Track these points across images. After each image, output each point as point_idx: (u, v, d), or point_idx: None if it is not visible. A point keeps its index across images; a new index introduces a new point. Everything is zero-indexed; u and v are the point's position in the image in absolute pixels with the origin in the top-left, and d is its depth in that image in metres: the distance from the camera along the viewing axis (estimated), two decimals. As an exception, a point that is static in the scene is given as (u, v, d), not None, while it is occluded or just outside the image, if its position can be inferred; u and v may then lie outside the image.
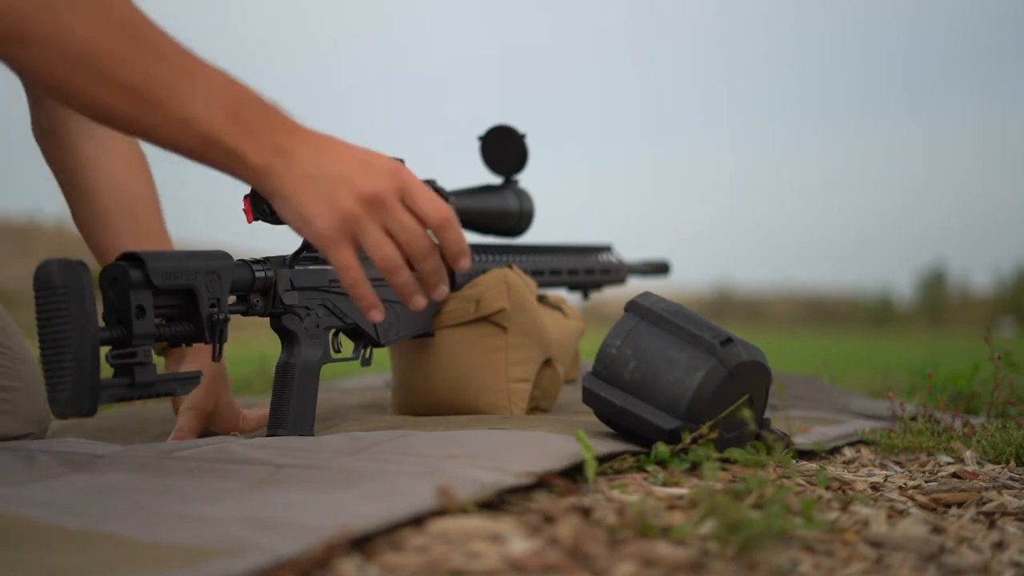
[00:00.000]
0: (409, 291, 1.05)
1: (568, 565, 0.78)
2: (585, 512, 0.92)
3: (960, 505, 1.11)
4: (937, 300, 35.40)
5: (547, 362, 1.54)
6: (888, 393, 1.73)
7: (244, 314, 1.24)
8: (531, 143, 1.57)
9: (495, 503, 0.93)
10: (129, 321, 1.07)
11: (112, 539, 0.81)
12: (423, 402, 1.48)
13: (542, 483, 0.98)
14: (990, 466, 1.30)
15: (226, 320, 1.15)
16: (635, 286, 1.86)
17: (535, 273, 1.62)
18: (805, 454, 1.35)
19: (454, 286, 1.48)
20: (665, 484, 1.06)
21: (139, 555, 0.76)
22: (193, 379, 1.15)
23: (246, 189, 1.27)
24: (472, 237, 1.58)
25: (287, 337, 1.29)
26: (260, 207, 1.27)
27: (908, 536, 0.94)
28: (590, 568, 0.79)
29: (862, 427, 1.52)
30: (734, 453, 1.14)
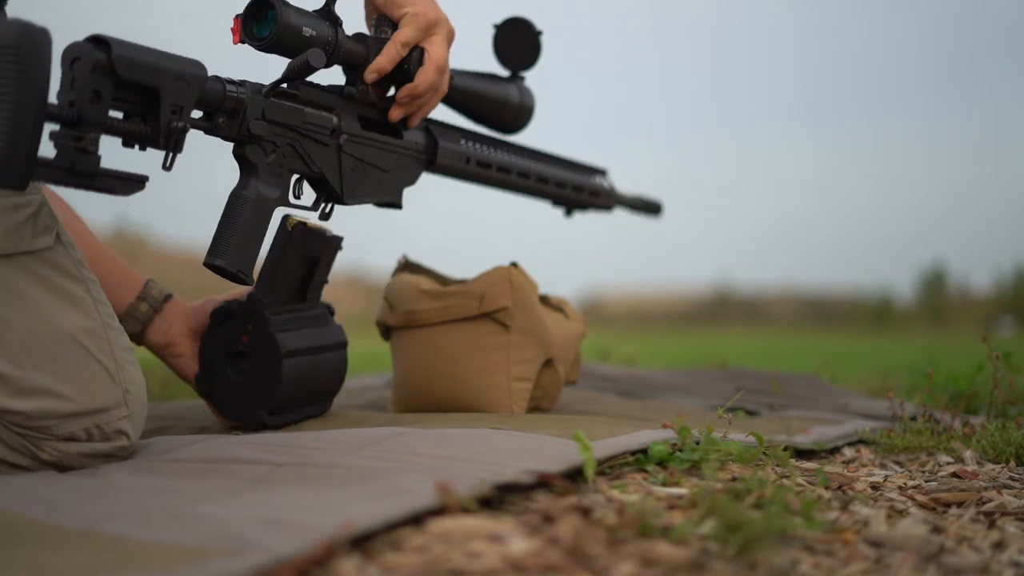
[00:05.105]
0: (420, 102, 1.37)
1: (568, 565, 0.78)
2: (585, 512, 0.92)
3: (960, 505, 1.11)
4: (937, 300, 35.42)
5: (548, 362, 1.54)
6: (888, 393, 1.73)
7: (207, 132, 1.19)
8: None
9: (495, 503, 0.93)
10: (83, 104, 1.01)
11: (112, 539, 0.81)
12: (424, 399, 1.48)
13: (542, 483, 0.98)
14: (990, 466, 1.30)
15: (184, 130, 1.10)
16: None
17: (521, 175, 1.58)
18: (805, 454, 1.35)
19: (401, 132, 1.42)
20: (665, 484, 1.06)
21: (139, 555, 0.76)
22: (137, 181, 1.07)
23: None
24: (468, 125, 1.54)
25: (247, 168, 1.24)
26: (248, 30, 1.22)
27: (908, 536, 0.94)
28: (590, 568, 0.79)
29: (862, 427, 1.52)
30: (732, 446, 1.15)
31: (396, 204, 1.42)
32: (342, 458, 1.04)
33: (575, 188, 1.69)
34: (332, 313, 1.42)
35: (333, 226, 1.38)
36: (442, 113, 1.50)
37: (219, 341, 1.35)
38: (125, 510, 0.88)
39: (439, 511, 0.87)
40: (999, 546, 0.97)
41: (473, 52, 1.53)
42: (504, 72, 1.56)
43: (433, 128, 1.46)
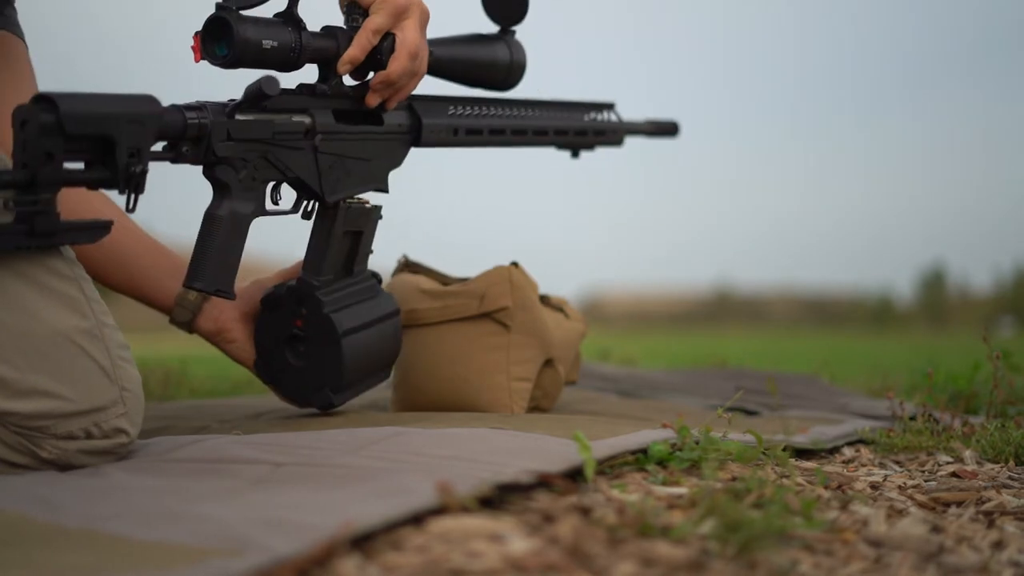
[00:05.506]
0: (395, 88, 1.34)
1: (568, 565, 0.78)
2: (585, 512, 0.92)
3: (959, 504, 1.11)
4: (937, 300, 35.42)
5: (548, 363, 1.54)
6: (888, 393, 1.73)
7: (172, 161, 1.17)
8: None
9: (495, 503, 0.93)
10: (36, 166, 1.00)
11: (112, 539, 0.81)
12: (425, 399, 1.48)
13: (542, 483, 0.98)
14: (989, 465, 1.30)
15: (143, 173, 1.08)
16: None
17: (516, 133, 1.53)
18: (804, 454, 1.35)
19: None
20: (665, 484, 1.06)
21: (139, 555, 0.76)
22: (102, 227, 1.08)
23: None
24: (457, 90, 1.50)
25: (219, 188, 1.23)
26: (209, 49, 1.20)
27: (907, 535, 0.94)
28: (590, 568, 0.79)
29: (862, 427, 1.52)
30: (731, 446, 1.15)
31: (382, 188, 1.41)
32: (342, 458, 1.04)
33: (578, 133, 1.63)
34: (380, 281, 1.43)
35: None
36: (430, 82, 1.46)
37: (272, 327, 1.36)
38: (125, 510, 0.88)
39: (439, 511, 0.87)
40: (998, 546, 0.97)
41: (460, 11, 1.49)
42: (494, 28, 1.51)
43: (416, 105, 1.43)
